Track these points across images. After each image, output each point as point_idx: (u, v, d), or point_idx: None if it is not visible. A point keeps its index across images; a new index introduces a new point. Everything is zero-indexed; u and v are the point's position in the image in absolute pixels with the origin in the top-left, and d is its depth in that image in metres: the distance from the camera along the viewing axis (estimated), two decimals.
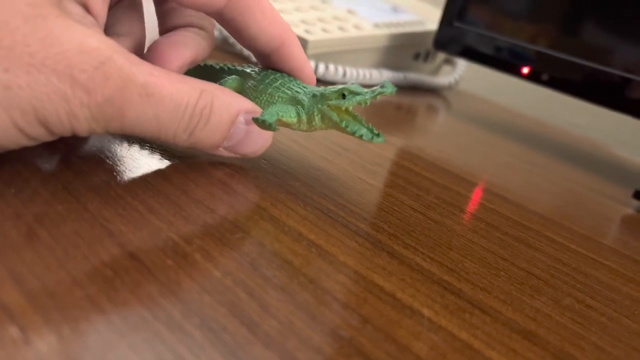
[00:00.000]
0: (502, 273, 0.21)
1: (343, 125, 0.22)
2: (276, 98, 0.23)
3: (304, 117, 0.23)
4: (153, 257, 0.17)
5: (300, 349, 0.15)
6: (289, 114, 0.23)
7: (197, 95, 0.20)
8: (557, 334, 0.19)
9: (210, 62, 0.27)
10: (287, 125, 0.24)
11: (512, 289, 0.20)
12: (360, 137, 0.22)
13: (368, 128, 0.22)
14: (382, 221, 0.23)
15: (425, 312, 0.18)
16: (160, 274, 0.16)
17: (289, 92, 0.23)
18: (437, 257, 0.21)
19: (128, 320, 0.14)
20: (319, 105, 0.22)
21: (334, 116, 0.22)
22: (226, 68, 0.26)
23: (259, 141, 0.23)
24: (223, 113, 0.21)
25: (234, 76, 0.25)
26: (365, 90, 0.22)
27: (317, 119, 0.23)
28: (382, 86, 0.21)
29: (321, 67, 0.41)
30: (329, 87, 0.23)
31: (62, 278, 0.15)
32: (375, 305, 0.17)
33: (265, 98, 0.24)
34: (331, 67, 0.42)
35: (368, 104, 0.21)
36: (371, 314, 0.17)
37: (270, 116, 0.22)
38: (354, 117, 0.22)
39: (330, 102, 0.22)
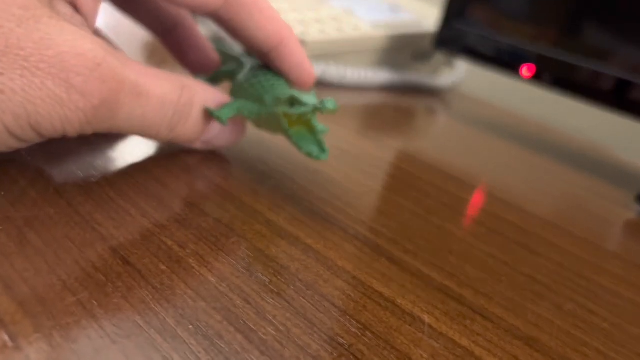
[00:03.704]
0: (504, 278, 0.21)
1: (289, 134, 0.21)
2: (248, 94, 0.23)
3: (264, 116, 0.22)
4: (146, 261, 0.16)
5: (297, 356, 0.14)
6: (250, 111, 0.23)
7: (180, 92, 0.21)
8: (559, 340, 0.18)
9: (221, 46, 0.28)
10: (249, 121, 0.24)
11: (513, 295, 0.20)
12: (300, 149, 0.21)
13: (316, 141, 0.21)
14: (382, 225, 0.23)
15: (426, 318, 0.17)
16: (153, 279, 0.16)
17: (260, 90, 0.23)
18: (437, 262, 0.21)
19: (120, 327, 0.14)
20: (274, 109, 0.22)
21: (284, 123, 0.21)
22: (234, 54, 0.27)
23: (233, 134, 0.24)
24: (202, 109, 0.22)
25: (231, 67, 0.26)
26: (312, 102, 0.21)
27: (271, 121, 0.22)
28: (323, 103, 0.20)
29: (319, 69, 0.41)
30: (291, 91, 0.22)
31: (53, 283, 0.15)
32: (375, 312, 0.17)
33: (241, 93, 0.24)
34: (328, 68, 0.42)
35: (308, 117, 0.21)
36: (370, 321, 0.17)
37: (229, 111, 0.22)
38: (309, 127, 0.21)
39: (279, 108, 0.21)
